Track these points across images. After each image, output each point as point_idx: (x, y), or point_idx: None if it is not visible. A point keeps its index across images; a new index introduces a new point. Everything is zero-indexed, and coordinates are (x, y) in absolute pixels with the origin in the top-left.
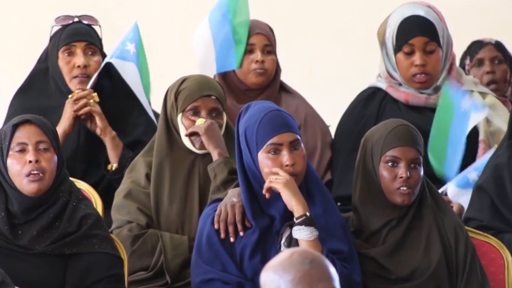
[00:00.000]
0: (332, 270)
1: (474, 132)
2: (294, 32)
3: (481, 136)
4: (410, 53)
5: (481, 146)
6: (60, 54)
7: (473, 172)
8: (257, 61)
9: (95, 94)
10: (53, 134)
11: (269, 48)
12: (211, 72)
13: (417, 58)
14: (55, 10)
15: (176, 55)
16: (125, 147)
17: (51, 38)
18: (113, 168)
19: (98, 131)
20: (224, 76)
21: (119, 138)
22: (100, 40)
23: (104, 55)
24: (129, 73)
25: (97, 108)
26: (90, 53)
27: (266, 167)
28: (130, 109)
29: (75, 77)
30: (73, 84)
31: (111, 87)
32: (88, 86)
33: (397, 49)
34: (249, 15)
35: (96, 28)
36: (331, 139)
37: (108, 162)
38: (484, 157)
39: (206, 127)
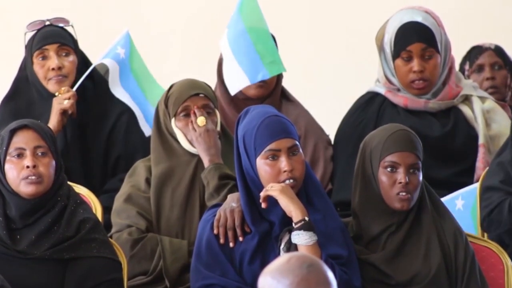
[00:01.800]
0: (330, 275)
1: (474, 136)
2: (293, 35)
3: (481, 140)
4: (408, 59)
5: (481, 150)
6: (35, 59)
7: (460, 200)
8: None
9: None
10: (51, 139)
11: None
12: (243, 84)
13: (415, 65)
14: (54, 13)
15: (174, 63)
16: None
17: (26, 45)
18: None
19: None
20: (225, 85)
21: (98, 138)
22: (74, 40)
23: (80, 54)
24: (113, 72)
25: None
26: (64, 54)
27: (264, 173)
28: (111, 110)
29: (50, 79)
30: (51, 85)
31: (93, 88)
32: (74, 89)
33: (395, 55)
34: (265, 23)
35: (69, 28)
36: (332, 149)
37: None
38: (474, 185)
39: (201, 132)
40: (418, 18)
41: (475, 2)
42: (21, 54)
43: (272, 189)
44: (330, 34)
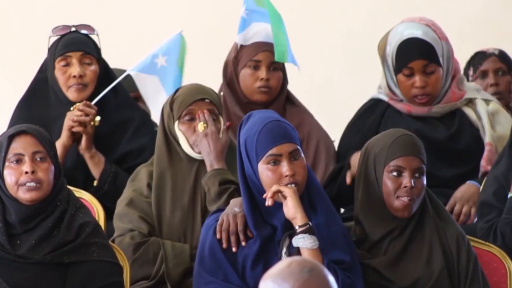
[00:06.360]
0: (331, 279)
1: (479, 137)
2: (294, 41)
3: (487, 139)
4: (410, 75)
5: (487, 148)
6: (57, 64)
7: None
8: (261, 78)
9: (97, 119)
10: (50, 144)
11: (276, 64)
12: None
13: (417, 80)
14: (57, 19)
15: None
16: (108, 163)
17: (49, 49)
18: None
19: (80, 148)
20: (232, 88)
21: (115, 151)
22: (97, 49)
23: (102, 64)
24: (149, 87)
25: (90, 131)
26: (86, 62)
27: (266, 178)
28: (131, 121)
29: (70, 86)
30: (70, 93)
31: (114, 97)
32: (96, 99)
33: (397, 70)
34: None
35: (94, 37)
36: (335, 154)
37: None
38: None
39: (200, 138)
40: (418, 33)
41: (479, 6)
42: (26, 60)
43: (285, 186)
44: (332, 38)
